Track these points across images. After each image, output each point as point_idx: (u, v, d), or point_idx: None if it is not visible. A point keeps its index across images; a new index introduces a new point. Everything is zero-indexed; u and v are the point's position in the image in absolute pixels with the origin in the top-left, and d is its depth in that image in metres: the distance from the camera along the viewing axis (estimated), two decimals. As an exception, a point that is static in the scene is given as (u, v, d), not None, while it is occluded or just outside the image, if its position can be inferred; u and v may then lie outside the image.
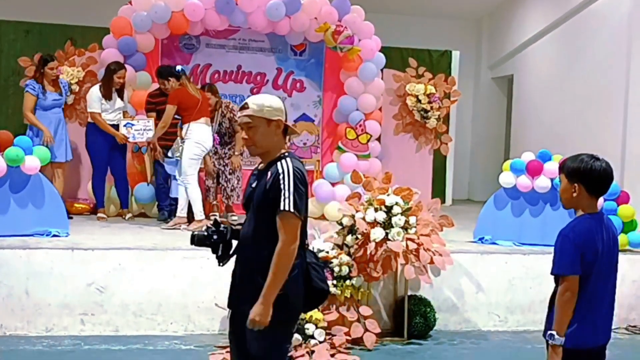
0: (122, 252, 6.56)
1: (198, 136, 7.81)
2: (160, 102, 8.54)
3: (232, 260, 3.69)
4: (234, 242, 3.70)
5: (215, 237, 3.65)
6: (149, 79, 8.96)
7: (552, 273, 3.50)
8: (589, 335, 3.48)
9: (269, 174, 3.52)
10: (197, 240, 3.68)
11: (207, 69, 9.64)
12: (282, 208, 3.41)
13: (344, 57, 9.33)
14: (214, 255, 3.68)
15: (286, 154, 3.60)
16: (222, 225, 3.68)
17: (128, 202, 8.81)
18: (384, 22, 10.57)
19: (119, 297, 6.43)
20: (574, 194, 3.48)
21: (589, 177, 3.44)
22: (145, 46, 8.90)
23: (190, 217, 8.01)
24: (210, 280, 6.48)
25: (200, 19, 8.80)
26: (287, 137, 3.71)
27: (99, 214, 8.55)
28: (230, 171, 8.67)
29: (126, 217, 8.65)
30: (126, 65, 8.54)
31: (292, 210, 3.41)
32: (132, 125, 8.36)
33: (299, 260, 3.52)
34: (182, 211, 7.98)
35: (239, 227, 3.72)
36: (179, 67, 8.21)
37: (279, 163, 3.52)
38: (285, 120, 3.64)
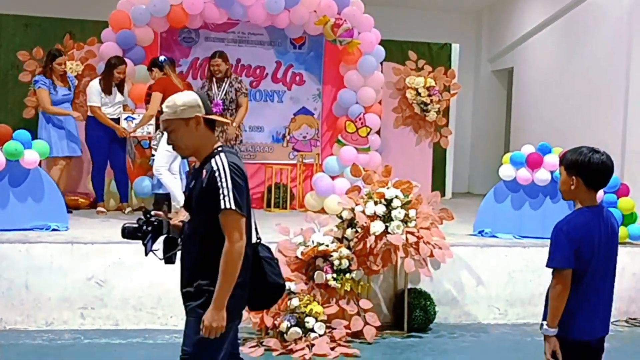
0: (121, 246, 6.54)
1: None
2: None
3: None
4: (179, 240, 3.60)
5: (145, 227, 3.53)
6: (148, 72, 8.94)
7: (547, 266, 3.51)
8: (587, 328, 3.49)
9: (204, 172, 3.40)
10: (128, 233, 3.56)
11: (206, 62, 9.59)
12: (222, 207, 3.28)
13: (344, 50, 9.32)
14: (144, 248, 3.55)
15: (219, 148, 3.46)
16: (153, 217, 3.55)
17: (128, 196, 8.81)
18: (383, 15, 10.55)
19: (118, 291, 6.44)
20: (572, 187, 3.48)
21: (586, 170, 3.43)
22: (144, 40, 8.88)
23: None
24: (210, 273, 6.49)
25: (199, 12, 8.79)
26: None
27: (99, 208, 8.55)
28: None
29: (126, 211, 8.64)
30: (126, 60, 8.53)
31: (233, 207, 3.28)
32: (133, 119, 8.37)
33: (245, 254, 3.40)
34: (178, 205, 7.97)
35: (179, 223, 3.61)
36: (162, 58, 8.22)
37: (212, 160, 3.39)
38: (207, 113, 3.48)
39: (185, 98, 3.48)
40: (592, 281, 3.45)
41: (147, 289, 6.46)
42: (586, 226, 3.43)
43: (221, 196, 3.28)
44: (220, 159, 3.37)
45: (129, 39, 8.74)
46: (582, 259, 3.41)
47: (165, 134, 8.16)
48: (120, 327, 6.38)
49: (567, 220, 3.47)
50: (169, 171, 7.92)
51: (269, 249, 3.68)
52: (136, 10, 8.67)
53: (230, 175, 3.32)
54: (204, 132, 3.48)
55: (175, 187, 7.88)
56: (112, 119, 8.34)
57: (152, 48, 9.14)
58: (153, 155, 8.22)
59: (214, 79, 8.77)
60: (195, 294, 3.44)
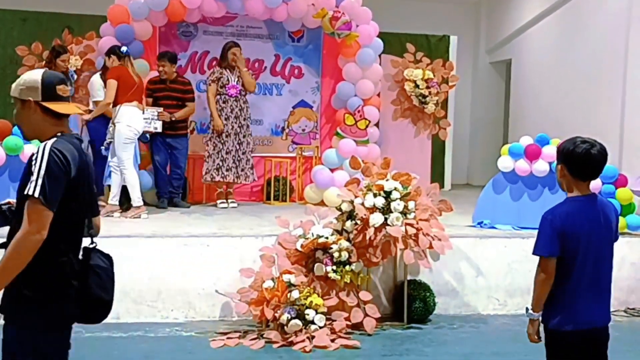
0: (121, 239, 6.57)
1: (129, 119, 7.82)
2: (158, 88, 8.64)
3: None
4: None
5: None
6: (147, 66, 8.94)
7: (532, 253, 3.55)
8: (585, 318, 3.51)
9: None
10: None
11: (205, 56, 9.63)
12: (25, 192, 2.85)
13: (342, 43, 9.32)
14: None
15: (58, 134, 3.00)
16: (5, 206, 3.23)
17: (128, 189, 8.80)
18: (381, 8, 10.52)
19: (119, 285, 6.27)
20: (560, 175, 3.54)
21: (569, 158, 3.47)
22: (142, 34, 8.87)
23: (128, 203, 8.02)
24: (210, 266, 6.51)
25: (197, 6, 8.78)
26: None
27: (99, 202, 8.54)
28: (244, 151, 8.90)
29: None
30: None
31: (36, 195, 2.82)
32: None
33: (65, 259, 3.01)
34: (114, 198, 7.92)
35: None
36: (124, 48, 8.19)
37: (40, 146, 2.95)
38: (49, 99, 3.01)
39: (28, 77, 3.04)
40: (585, 271, 3.46)
41: (147, 283, 6.47)
42: (572, 215, 3.45)
43: (30, 182, 2.85)
44: (45, 144, 2.92)
45: (128, 33, 8.73)
46: (568, 248, 3.43)
47: (118, 126, 8.00)
48: (121, 321, 6.38)
49: (552, 209, 3.52)
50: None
51: (107, 258, 3.26)
52: (134, 5, 8.66)
53: (47, 161, 2.86)
54: (42, 119, 3.02)
55: (136, 182, 7.90)
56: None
57: (150, 42, 9.14)
58: (107, 145, 8.01)
59: (229, 67, 8.87)
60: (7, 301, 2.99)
